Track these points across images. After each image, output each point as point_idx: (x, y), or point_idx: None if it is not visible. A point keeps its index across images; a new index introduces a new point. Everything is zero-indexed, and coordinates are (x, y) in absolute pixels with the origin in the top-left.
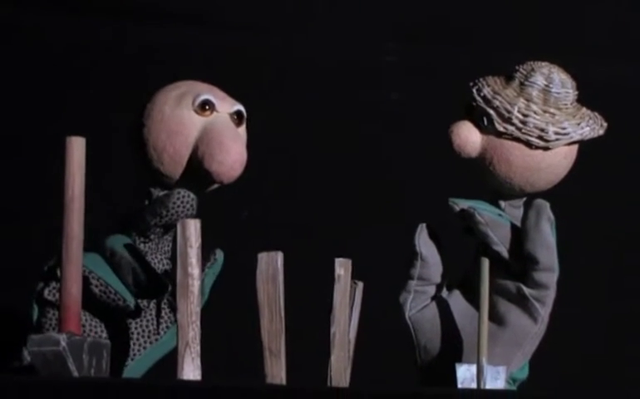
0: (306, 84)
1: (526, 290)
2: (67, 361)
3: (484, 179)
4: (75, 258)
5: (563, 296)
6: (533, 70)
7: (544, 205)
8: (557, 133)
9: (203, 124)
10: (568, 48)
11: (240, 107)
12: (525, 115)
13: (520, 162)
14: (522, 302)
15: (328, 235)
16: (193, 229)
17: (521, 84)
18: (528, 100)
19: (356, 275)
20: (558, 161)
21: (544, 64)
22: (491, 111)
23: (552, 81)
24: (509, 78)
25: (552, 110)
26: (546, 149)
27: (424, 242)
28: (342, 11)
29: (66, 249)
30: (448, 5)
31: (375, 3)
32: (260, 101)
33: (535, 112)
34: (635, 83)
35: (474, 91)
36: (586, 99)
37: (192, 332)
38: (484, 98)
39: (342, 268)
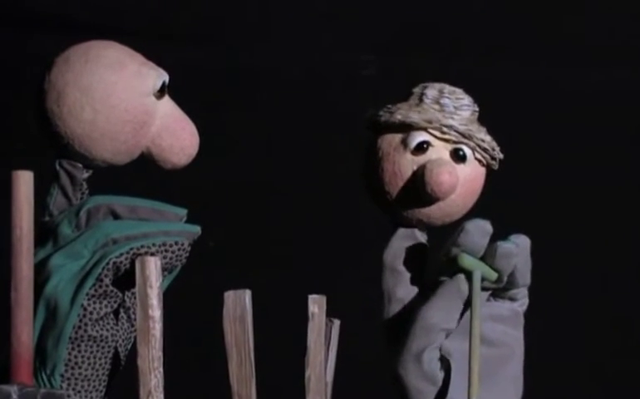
0: (277, 98)
1: (518, 307)
2: None
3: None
4: (25, 301)
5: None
6: (454, 92)
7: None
8: (500, 151)
9: (161, 109)
10: (549, 57)
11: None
12: (492, 139)
13: (478, 188)
14: (515, 320)
15: (301, 269)
16: (153, 268)
17: (457, 108)
18: (479, 124)
19: (331, 312)
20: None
21: (445, 85)
22: (472, 143)
23: (469, 101)
24: (434, 106)
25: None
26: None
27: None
28: (316, 23)
29: (15, 292)
30: (426, 15)
31: (352, 15)
32: (229, 119)
33: (486, 133)
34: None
35: (438, 127)
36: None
37: (154, 380)
38: (458, 131)
39: (316, 305)
